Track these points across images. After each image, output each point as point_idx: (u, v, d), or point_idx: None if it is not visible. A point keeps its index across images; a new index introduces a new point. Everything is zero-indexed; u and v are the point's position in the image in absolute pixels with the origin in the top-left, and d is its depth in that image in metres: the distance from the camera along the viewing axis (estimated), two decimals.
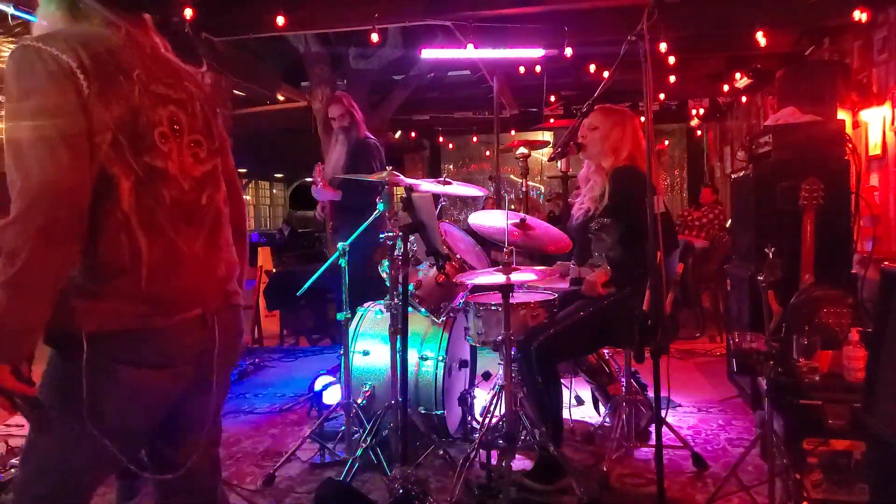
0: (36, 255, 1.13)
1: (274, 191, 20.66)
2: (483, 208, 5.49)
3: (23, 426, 3.75)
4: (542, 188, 12.63)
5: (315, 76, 6.73)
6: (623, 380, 3.09)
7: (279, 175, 19.65)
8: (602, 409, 3.44)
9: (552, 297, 3.00)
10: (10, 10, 3.89)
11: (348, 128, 4.47)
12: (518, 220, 3.01)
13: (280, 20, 4.73)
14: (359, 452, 2.83)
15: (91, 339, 1.25)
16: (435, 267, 2.78)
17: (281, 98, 7.13)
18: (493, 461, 2.58)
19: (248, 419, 3.78)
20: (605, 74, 2.25)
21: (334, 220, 4.58)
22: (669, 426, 3.04)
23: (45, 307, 1.18)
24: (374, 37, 5.00)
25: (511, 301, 2.71)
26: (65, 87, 1.19)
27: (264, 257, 6.68)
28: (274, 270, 6.64)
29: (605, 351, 3.32)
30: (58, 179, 1.15)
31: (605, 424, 3.29)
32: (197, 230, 1.37)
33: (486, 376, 3.52)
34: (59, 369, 1.32)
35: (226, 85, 5.65)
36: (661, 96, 8.73)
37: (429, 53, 5.77)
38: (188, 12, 4.61)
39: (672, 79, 7.03)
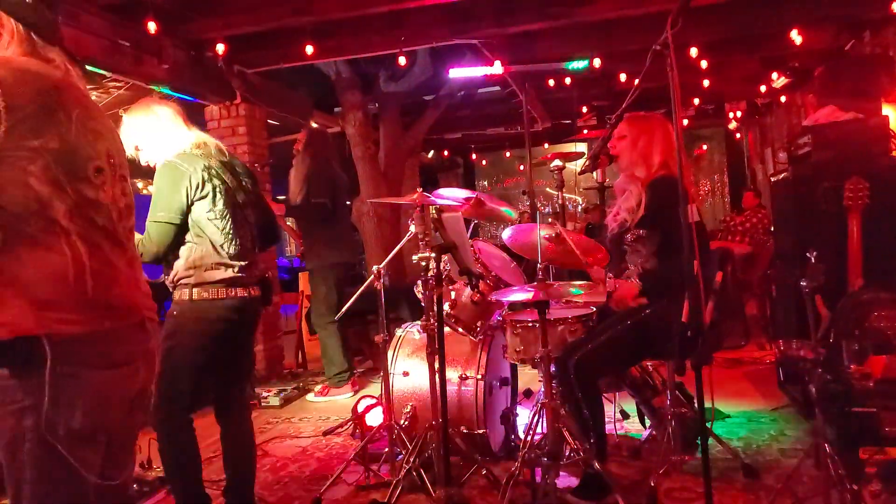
0: None
1: None
2: (519, 223, 5.48)
3: None
4: (580, 200, 12.52)
5: (347, 101, 6.84)
6: (668, 392, 3.02)
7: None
8: (648, 422, 3.37)
9: (590, 312, 2.96)
10: None
11: (299, 152, 4.83)
12: (553, 234, 2.99)
13: (309, 49, 4.84)
14: (403, 474, 2.83)
15: (52, 345, 1.30)
16: (469, 286, 2.78)
17: (314, 125, 7.27)
18: (538, 479, 2.55)
19: (294, 444, 3.82)
20: (636, 82, 2.22)
21: (304, 245, 4.97)
22: (718, 438, 2.95)
23: None
24: (402, 60, 5.07)
25: (548, 317, 2.70)
26: None
27: (304, 282, 6.76)
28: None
29: (649, 363, 3.26)
30: None
31: (652, 438, 3.22)
32: (123, 252, 1.47)
33: (528, 394, 3.50)
34: (14, 390, 1.31)
35: (260, 115, 5.78)
36: (696, 101, 8.60)
37: (457, 73, 5.82)
38: (220, 47, 4.77)
39: (706, 82, 6.93)
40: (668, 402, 2.95)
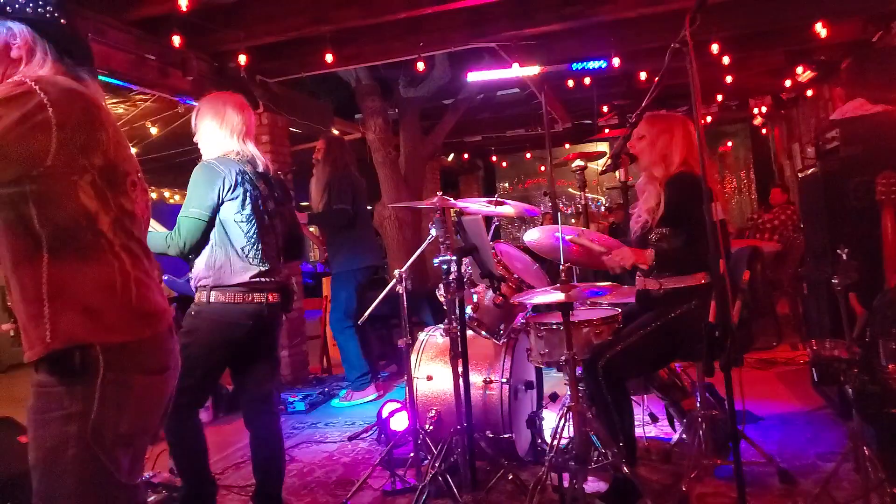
0: None
1: None
2: (542, 224, 5.45)
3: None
4: (603, 199, 12.44)
5: (367, 108, 6.88)
6: (697, 394, 2.96)
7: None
8: (678, 425, 3.31)
9: (616, 313, 2.92)
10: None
11: (319, 161, 4.91)
12: (575, 235, 2.95)
13: (329, 58, 4.87)
14: (429, 479, 2.82)
15: (104, 353, 1.35)
16: (490, 289, 2.76)
17: (335, 132, 7.32)
18: (566, 484, 2.52)
19: (320, 449, 3.83)
20: (656, 81, 2.18)
21: (326, 249, 5.09)
22: (751, 441, 2.89)
23: None
24: (420, 65, 5.07)
25: (573, 319, 2.66)
26: (32, 131, 1.30)
27: (328, 287, 6.79)
28: None
29: (677, 365, 3.21)
30: None
31: (682, 441, 3.16)
32: (151, 260, 1.54)
33: (554, 398, 3.46)
34: (61, 397, 1.34)
35: (282, 123, 5.83)
36: (719, 97, 8.49)
37: (475, 76, 5.81)
38: (242, 58, 4.82)
39: (729, 78, 6.83)
40: (698, 405, 2.90)
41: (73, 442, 1.32)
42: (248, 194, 2.51)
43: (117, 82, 4.51)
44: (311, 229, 5.15)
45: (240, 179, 2.51)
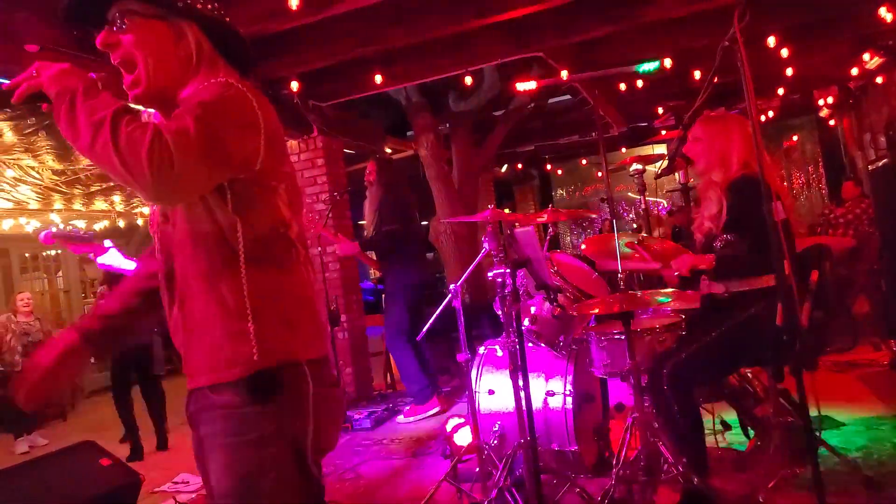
0: (102, 143, 1.16)
1: None
2: (602, 231, 5.37)
3: (188, 483, 4.06)
4: (664, 202, 12.14)
5: (418, 125, 6.95)
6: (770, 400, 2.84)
7: None
8: (752, 433, 3.18)
9: (679, 320, 2.84)
10: None
11: (372, 184, 4.99)
12: (635, 241, 2.90)
13: (378, 78, 4.96)
14: (494, 494, 2.80)
15: (310, 367, 1.30)
16: (547, 300, 2.73)
17: (388, 150, 7.43)
18: (635, 496, 2.46)
19: (387, 465, 3.86)
20: (708, 80, 2.12)
21: (380, 269, 5.17)
22: (831, 448, 2.75)
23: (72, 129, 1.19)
24: (469, 80, 5.11)
25: (635, 327, 2.61)
26: (254, 138, 1.26)
27: None
28: None
29: (747, 370, 3.09)
30: (180, 176, 1.20)
31: (757, 449, 3.04)
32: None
33: (620, 408, 3.39)
34: (255, 418, 1.25)
35: (336, 146, 5.96)
36: (781, 91, 8.18)
37: (523, 86, 5.80)
38: (294, 85, 4.97)
39: (790, 71, 6.57)
40: (772, 411, 2.78)
41: (272, 465, 1.24)
42: None
43: None
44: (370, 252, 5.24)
45: None
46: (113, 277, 5.23)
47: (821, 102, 9.16)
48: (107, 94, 1.18)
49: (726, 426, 3.50)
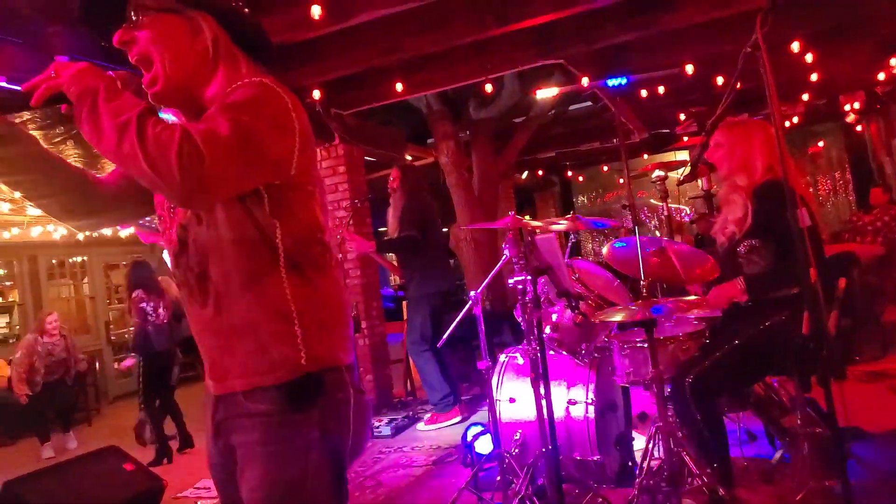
0: (128, 144, 1.11)
1: None
2: (620, 237, 5.34)
3: (209, 488, 4.09)
4: (687, 209, 12.02)
5: (438, 132, 6.98)
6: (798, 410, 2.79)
7: None
8: (778, 443, 3.13)
9: (702, 328, 2.81)
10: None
11: (395, 190, 5.01)
12: (656, 248, 2.87)
13: (399, 87, 4.99)
14: (515, 503, 2.78)
15: (348, 371, 1.29)
16: (569, 308, 2.72)
17: (409, 158, 7.46)
18: None
19: (407, 472, 3.85)
20: (730, 86, 2.09)
21: (402, 276, 5.19)
22: (861, 460, 2.69)
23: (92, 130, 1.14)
24: (489, 87, 5.11)
25: (657, 335, 2.58)
26: (287, 141, 1.22)
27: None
28: None
29: (773, 380, 3.04)
30: (212, 178, 1.16)
31: (785, 461, 2.98)
32: None
33: (643, 417, 3.34)
34: (297, 425, 1.23)
35: (357, 153, 6.00)
36: (805, 96, 8.07)
37: (543, 93, 5.80)
38: (316, 93, 5.01)
39: (814, 76, 6.49)
40: (799, 422, 2.73)
41: (315, 472, 1.22)
42: None
43: None
44: (390, 256, 5.27)
45: None
46: (146, 282, 5.33)
47: (847, 108, 9.02)
48: (129, 94, 1.15)
49: (752, 437, 3.44)
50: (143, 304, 5.16)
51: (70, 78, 1.16)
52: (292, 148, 1.22)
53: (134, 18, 1.26)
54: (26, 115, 4.60)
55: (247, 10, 1.35)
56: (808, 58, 5.49)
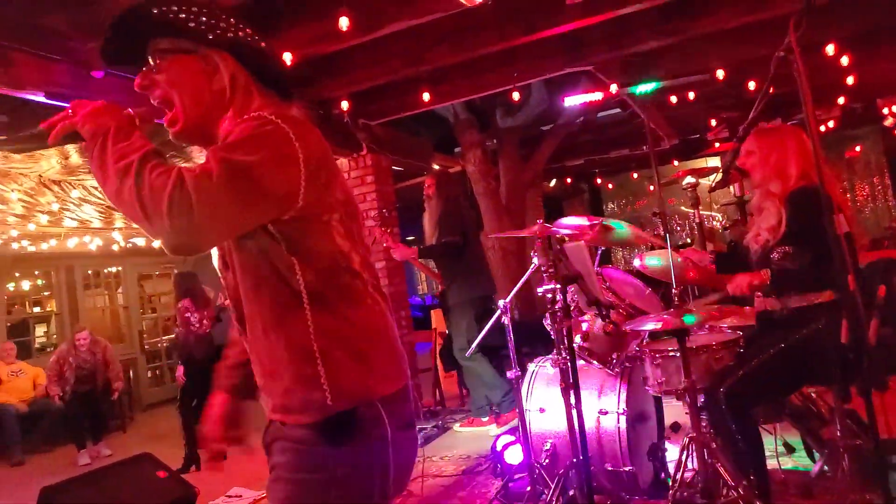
0: (126, 192, 1.12)
1: None
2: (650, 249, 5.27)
3: (241, 496, 4.12)
4: (719, 216, 11.83)
5: (465, 141, 6.99)
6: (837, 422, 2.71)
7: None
8: (817, 455, 3.04)
9: (737, 336, 2.75)
10: None
11: (431, 197, 5.00)
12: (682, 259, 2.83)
13: (426, 96, 5.01)
14: None
15: (383, 405, 1.23)
16: (599, 316, 2.69)
17: (436, 167, 7.48)
18: None
19: (437, 483, 3.84)
20: (763, 92, 2.05)
21: (443, 282, 5.08)
22: None
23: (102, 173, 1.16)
24: (516, 95, 5.10)
25: (690, 344, 2.54)
26: (287, 172, 1.18)
27: (437, 319, 6.88)
28: (447, 332, 6.80)
29: (811, 390, 2.96)
30: (205, 224, 1.14)
31: (824, 474, 2.90)
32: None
33: (676, 428, 3.29)
34: (325, 458, 1.21)
35: (385, 163, 6.04)
36: (841, 100, 7.90)
37: (571, 101, 5.77)
38: (345, 104, 5.06)
39: (850, 79, 6.35)
40: (839, 433, 2.65)
41: None
42: None
43: None
44: (430, 264, 5.26)
45: None
46: (192, 292, 5.45)
47: (885, 111, 8.79)
48: (138, 134, 1.15)
49: (790, 448, 3.36)
50: (189, 315, 5.31)
51: (84, 117, 1.17)
52: (297, 178, 1.17)
53: (152, 63, 1.28)
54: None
55: (262, 43, 1.34)
56: (844, 61, 5.38)
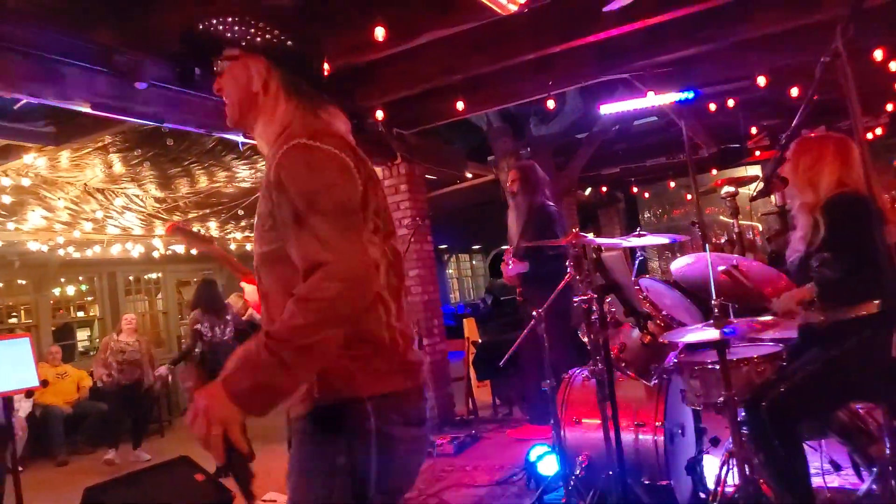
0: (328, 338, 1.19)
1: (474, 262, 21.55)
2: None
3: (276, 501, 4.15)
4: (759, 226, 11.57)
5: (499, 149, 6.98)
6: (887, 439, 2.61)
7: (477, 247, 20.48)
8: (865, 474, 2.93)
9: (779, 349, 2.67)
10: (239, 138, 4.59)
11: (517, 193, 4.63)
12: (727, 266, 2.76)
13: (460, 105, 5.01)
14: None
15: (373, 402, 1.29)
16: (636, 327, 2.64)
17: (469, 175, 7.49)
18: None
19: (470, 493, 3.81)
20: (806, 99, 1.99)
21: (522, 290, 4.64)
22: None
23: (310, 377, 1.25)
24: (551, 103, 5.08)
25: (731, 357, 2.47)
26: (354, 182, 1.31)
27: (470, 328, 6.85)
28: (480, 341, 6.77)
29: (858, 406, 2.86)
30: (366, 270, 1.24)
31: (872, 493, 2.79)
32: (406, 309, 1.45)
33: (715, 442, 3.20)
34: (327, 447, 1.30)
35: (419, 172, 6.05)
36: (889, 107, 7.67)
37: (607, 109, 5.71)
38: (379, 114, 5.10)
39: None
40: (888, 452, 2.55)
41: (338, 496, 1.27)
42: None
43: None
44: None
45: None
46: (205, 301, 5.53)
47: None
48: (241, 365, 1.20)
49: (836, 466, 3.24)
50: (198, 326, 5.41)
51: (220, 420, 1.18)
52: (356, 187, 1.31)
53: (216, 69, 1.45)
54: (107, 139, 4.87)
55: (290, 42, 1.42)
56: (893, 66, 5.22)
